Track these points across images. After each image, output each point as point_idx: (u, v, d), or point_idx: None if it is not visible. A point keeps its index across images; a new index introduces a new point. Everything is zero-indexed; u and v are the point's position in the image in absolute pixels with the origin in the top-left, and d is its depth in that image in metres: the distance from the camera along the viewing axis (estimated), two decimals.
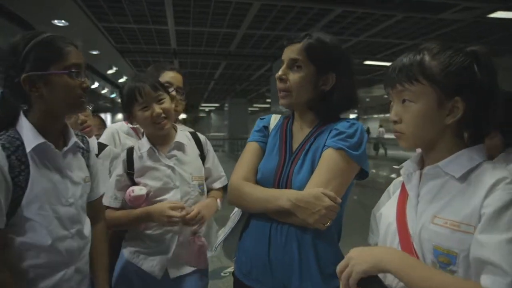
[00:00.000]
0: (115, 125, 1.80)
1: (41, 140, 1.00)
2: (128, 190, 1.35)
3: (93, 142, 1.54)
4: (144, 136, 1.44)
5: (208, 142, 1.57)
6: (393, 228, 0.84)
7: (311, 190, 1.02)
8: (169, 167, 1.39)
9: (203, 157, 1.51)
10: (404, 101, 0.81)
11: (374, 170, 10.01)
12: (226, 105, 17.65)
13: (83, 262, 1.13)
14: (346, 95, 1.12)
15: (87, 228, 1.15)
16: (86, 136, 1.23)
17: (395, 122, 0.84)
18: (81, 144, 1.16)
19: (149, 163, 1.39)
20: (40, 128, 1.02)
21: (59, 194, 1.04)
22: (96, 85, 10.50)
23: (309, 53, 1.09)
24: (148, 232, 1.37)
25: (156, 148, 1.40)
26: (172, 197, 1.38)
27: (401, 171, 0.90)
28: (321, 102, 1.13)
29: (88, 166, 1.19)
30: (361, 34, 5.86)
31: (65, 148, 1.08)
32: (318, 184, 1.03)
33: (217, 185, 1.55)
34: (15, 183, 0.95)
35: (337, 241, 1.16)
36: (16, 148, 0.97)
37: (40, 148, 1.00)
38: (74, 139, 1.11)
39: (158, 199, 1.38)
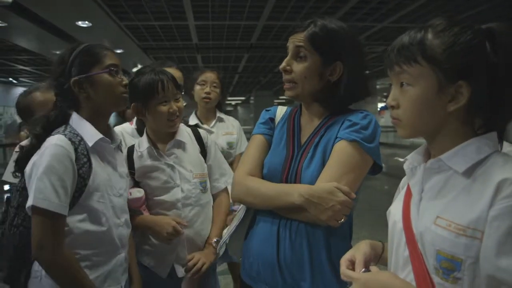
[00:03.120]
0: (119, 127, 1.81)
1: (100, 136, 1.13)
2: None
3: None
4: (144, 133, 1.43)
5: (210, 137, 1.53)
6: (399, 226, 0.77)
7: (324, 184, 0.96)
8: (168, 165, 1.37)
9: (204, 153, 1.47)
10: (402, 84, 0.73)
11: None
12: (252, 98, 17.64)
13: (127, 250, 1.23)
14: (355, 85, 1.05)
15: (129, 219, 1.25)
16: None
17: (392, 107, 0.75)
18: (121, 144, 1.29)
19: (148, 162, 1.38)
20: (94, 125, 1.14)
21: (112, 186, 1.16)
22: None
23: (313, 41, 1.03)
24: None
25: (155, 146, 1.38)
26: (172, 196, 1.36)
27: (404, 165, 0.81)
28: (328, 94, 1.06)
29: None
30: (384, 20, 5.65)
31: (114, 145, 1.21)
32: (331, 178, 0.97)
33: (221, 185, 1.51)
34: (79, 174, 1.07)
35: (348, 237, 1.10)
36: (79, 143, 1.09)
37: (99, 143, 1.13)
38: (119, 137, 1.25)
39: (159, 198, 1.37)
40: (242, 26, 5.97)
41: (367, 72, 1.14)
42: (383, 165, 1.07)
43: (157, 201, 1.37)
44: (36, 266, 1.08)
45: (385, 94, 19.84)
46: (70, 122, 1.13)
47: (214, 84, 2.17)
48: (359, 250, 0.83)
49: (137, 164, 1.40)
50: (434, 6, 5.00)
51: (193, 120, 2.22)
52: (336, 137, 1.03)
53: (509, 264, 0.58)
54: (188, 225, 1.37)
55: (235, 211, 1.43)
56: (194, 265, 1.34)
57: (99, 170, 1.11)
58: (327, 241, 1.02)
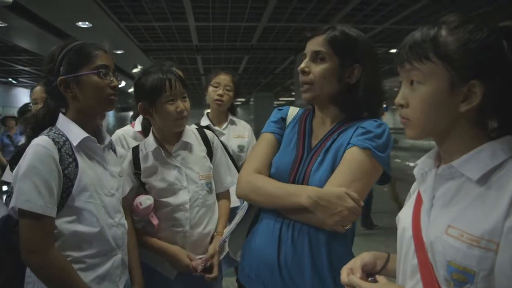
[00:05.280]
0: (120, 130, 1.80)
1: (86, 135, 1.10)
2: (135, 203, 1.32)
3: None
4: (151, 133, 1.41)
5: (216, 139, 1.52)
6: (409, 234, 0.73)
7: (333, 188, 0.95)
8: (175, 167, 1.36)
9: (210, 154, 1.46)
10: (412, 82, 0.70)
11: None
12: (252, 99, 17.62)
13: (125, 252, 1.21)
14: (373, 88, 1.06)
15: (124, 219, 1.24)
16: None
17: (401, 106, 0.72)
18: (113, 143, 1.28)
19: (155, 163, 1.36)
20: (80, 125, 1.12)
21: (103, 185, 1.13)
22: (123, 84, 10.79)
23: (333, 44, 1.04)
24: (160, 235, 1.36)
25: (162, 147, 1.37)
26: (180, 198, 1.35)
27: (414, 171, 0.78)
28: (346, 96, 1.06)
29: None
30: (385, 22, 5.63)
31: (103, 144, 1.19)
32: (341, 183, 0.96)
33: (226, 185, 1.53)
34: (64, 174, 1.05)
35: (350, 243, 1.09)
36: (63, 143, 1.07)
37: (85, 142, 1.11)
38: (108, 136, 1.24)
39: (166, 200, 1.35)
40: (242, 28, 5.96)
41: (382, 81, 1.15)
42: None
43: (164, 203, 1.36)
44: (29, 272, 1.05)
45: (385, 95, 19.87)
46: (57, 123, 1.12)
47: (228, 87, 2.16)
48: (359, 258, 0.81)
49: (143, 164, 1.38)
50: (436, 8, 4.99)
51: (204, 122, 2.22)
52: (348, 143, 1.03)
53: None
54: (195, 227, 1.38)
55: None
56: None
57: (87, 169, 1.09)
58: (329, 245, 1.01)
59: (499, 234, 0.58)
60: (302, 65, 1.08)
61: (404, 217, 0.78)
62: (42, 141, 1.03)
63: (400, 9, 5.06)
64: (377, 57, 1.12)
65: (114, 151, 1.29)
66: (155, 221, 1.34)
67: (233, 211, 1.83)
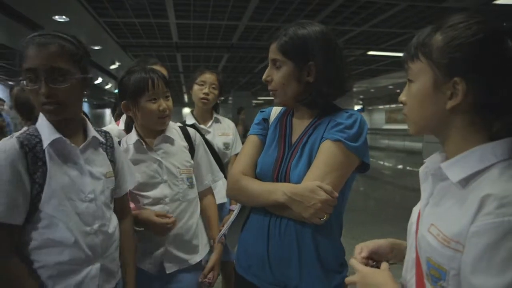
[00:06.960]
0: (105, 128, 1.80)
1: (57, 135, 1.03)
2: None
3: None
4: (133, 128, 1.42)
5: (198, 136, 1.54)
6: (414, 228, 0.77)
7: (306, 183, 1.01)
8: (156, 160, 1.37)
9: (192, 151, 1.48)
10: (409, 81, 0.74)
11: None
12: (230, 98, 17.59)
13: (108, 260, 1.12)
14: (328, 83, 1.08)
15: (112, 225, 1.15)
16: (109, 132, 1.25)
17: (402, 103, 0.77)
18: (101, 139, 1.17)
19: (135, 156, 1.37)
20: (56, 124, 1.05)
21: (78, 190, 1.06)
22: (99, 80, 10.53)
23: (283, 50, 1.08)
24: (139, 229, 1.36)
25: (143, 141, 1.38)
26: (160, 191, 1.37)
27: (420, 169, 0.80)
28: (307, 95, 1.10)
29: (111, 161, 1.19)
30: (364, 24, 5.77)
31: (84, 143, 1.10)
32: (315, 177, 1.01)
33: (208, 182, 1.55)
34: (33, 180, 0.98)
35: (338, 235, 1.14)
36: (34, 145, 1.01)
37: (56, 143, 1.03)
38: (92, 134, 1.14)
39: (146, 193, 1.37)
40: (223, 26, 5.96)
41: (346, 71, 1.13)
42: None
43: (145, 196, 1.37)
44: None
45: (361, 97, 20.27)
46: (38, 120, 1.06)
47: (213, 86, 2.18)
48: (372, 241, 0.86)
49: None
50: (413, 12, 5.15)
51: (190, 120, 2.23)
52: (322, 137, 1.07)
53: (482, 283, 0.57)
54: (176, 221, 1.38)
55: (233, 210, 1.46)
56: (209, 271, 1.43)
57: (57, 173, 1.02)
58: (315, 238, 1.05)
59: (465, 238, 0.60)
60: (264, 75, 1.13)
61: (415, 212, 0.81)
62: (5, 145, 0.97)
63: (378, 12, 5.19)
64: (335, 48, 1.09)
65: (110, 146, 1.21)
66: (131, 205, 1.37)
67: (220, 207, 1.85)
